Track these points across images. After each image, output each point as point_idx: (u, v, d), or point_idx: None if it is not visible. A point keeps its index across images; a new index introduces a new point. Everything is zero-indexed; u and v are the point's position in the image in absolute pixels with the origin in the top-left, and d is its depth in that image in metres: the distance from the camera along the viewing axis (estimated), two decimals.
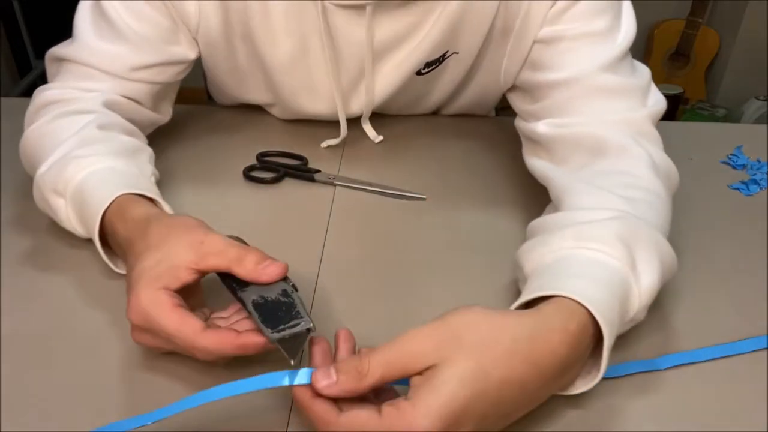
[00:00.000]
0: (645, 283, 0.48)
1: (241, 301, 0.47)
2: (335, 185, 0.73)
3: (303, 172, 0.74)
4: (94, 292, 0.56)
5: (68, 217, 0.58)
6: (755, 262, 0.63)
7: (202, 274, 0.48)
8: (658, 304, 0.55)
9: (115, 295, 0.55)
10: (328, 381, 0.40)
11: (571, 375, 0.45)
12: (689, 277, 0.59)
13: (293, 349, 0.43)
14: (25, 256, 0.60)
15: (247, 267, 0.47)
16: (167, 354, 0.49)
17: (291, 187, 0.73)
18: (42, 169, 0.58)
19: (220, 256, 0.47)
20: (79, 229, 0.58)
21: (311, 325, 0.45)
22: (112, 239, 0.55)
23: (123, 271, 0.55)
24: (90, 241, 0.56)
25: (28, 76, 2.29)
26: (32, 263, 0.59)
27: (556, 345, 0.42)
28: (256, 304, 0.46)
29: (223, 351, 0.44)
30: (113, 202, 0.54)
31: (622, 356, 0.51)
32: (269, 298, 0.47)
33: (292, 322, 0.45)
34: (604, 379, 0.45)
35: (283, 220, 0.68)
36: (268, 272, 0.47)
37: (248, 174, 0.74)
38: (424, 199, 0.71)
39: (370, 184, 0.72)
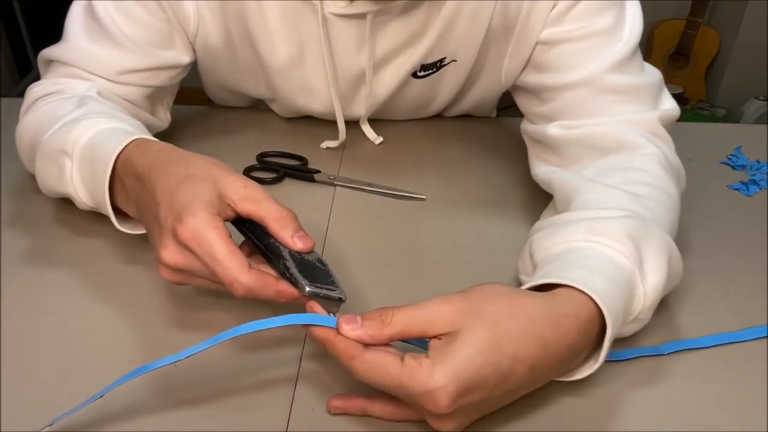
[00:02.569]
0: (651, 284, 0.48)
1: (272, 248, 0.47)
2: (335, 185, 0.73)
3: (303, 172, 0.74)
4: (95, 288, 0.56)
5: (71, 179, 0.56)
6: (755, 262, 0.63)
7: (233, 216, 0.49)
8: (659, 304, 0.55)
9: (117, 288, 0.56)
10: (353, 325, 0.42)
11: (575, 362, 0.46)
12: (689, 277, 0.59)
13: (326, 308, 0.45)
14: (26, 253, 0.60)
15: (286, 230, 0.47)
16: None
17: (291, 188, 0.73)
18: (46, 135, 0.58)
19: (260, 205, 0.48)
20: (80, 192, 0.57)
21: (344, 297, 0.46)
22: (123, 186, 0.53)
23: (125, 229, 0.55)
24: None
25: (28, 76, 2.29)
26: (33, 260, 0.59)
27: (568, 330, 0.43)
28: (292, 255, 0.47)
29: (261, 292, 0.45)
30: (132, 142, 0.53)
31: (621, 349, 0.51)
32: (306, 258, 0.47)
33: (328, 287, 0.46)
34: (607, 362, 0.46)
35: None
36: (304, 241, 0.48)
37: (248, 174, 0.74)
38: (424, 199, 0.71)
39: (370, 185, 0.72)
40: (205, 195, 0.47)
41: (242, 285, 0.44)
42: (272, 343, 0.51)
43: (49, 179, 0.59)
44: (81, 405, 0.43)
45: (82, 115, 0.59)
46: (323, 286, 0.45)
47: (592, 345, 0.46)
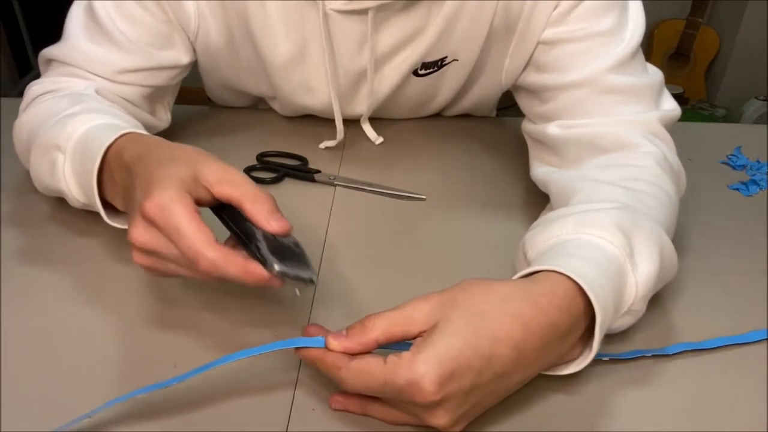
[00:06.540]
0: (642, 273, 0.48)
1: (247, 231, 0.46)
2: (335, 185, 0.73)
3: (303, 172, 0.74)
4: (92, 287, 0.56)
5: (63, 174, 0.56)
6: (755, 262, 0.63)
7: (212, 201, 0.48)
8: (658, 303, 0.55)
9: (112, 287, 0.56)
10: (339, 339, 0.43)
11: (564, 345, 0.45)
12: (689, 277, 0.59)
13: (297, 289, 0.45)
14: (22, 252, 0.60)
15: (261, 209, 0.46)
16: (169, 348, 0.49)
17: (291, 188, 0.73)
18: (41, 131, 0.58)
19: (237, 187, 0.47)
20: (72, 187, 0.57)
21: (316, 278, 0.45)
22: (112, 178, 0.53)
23: (114, 223, 0.55)
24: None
25: (28, 76, 2.29)
26: (29, 259, 0.59)
27: (546, 307, 0.43)
28: (266, 237, 0.45)
29: (227, 270, 0.43)
30: (124, 135, 0.53)
31: (621, 350, 0.51)
32: (280, 241, 0.46)
33: (300, 267, 0.45)
34: (603, 361, 0.46)
35: None
36: (280, 222, 0.46)
37: (248, 174, 0.74)
38: (424, 199, 0.71)
39: (370, 184, 0.72)
40: (178, 173, 0.46)
41: (206, 259, 0.43)
42: None
43: (42, 175, 0.59)
44: (68, 424, 0.43)
45: (78, 111, 0.59)
46: (294, 266, 0.44)
47: (581, 325, 0.45)
